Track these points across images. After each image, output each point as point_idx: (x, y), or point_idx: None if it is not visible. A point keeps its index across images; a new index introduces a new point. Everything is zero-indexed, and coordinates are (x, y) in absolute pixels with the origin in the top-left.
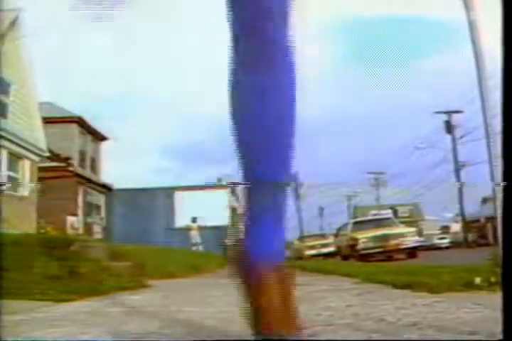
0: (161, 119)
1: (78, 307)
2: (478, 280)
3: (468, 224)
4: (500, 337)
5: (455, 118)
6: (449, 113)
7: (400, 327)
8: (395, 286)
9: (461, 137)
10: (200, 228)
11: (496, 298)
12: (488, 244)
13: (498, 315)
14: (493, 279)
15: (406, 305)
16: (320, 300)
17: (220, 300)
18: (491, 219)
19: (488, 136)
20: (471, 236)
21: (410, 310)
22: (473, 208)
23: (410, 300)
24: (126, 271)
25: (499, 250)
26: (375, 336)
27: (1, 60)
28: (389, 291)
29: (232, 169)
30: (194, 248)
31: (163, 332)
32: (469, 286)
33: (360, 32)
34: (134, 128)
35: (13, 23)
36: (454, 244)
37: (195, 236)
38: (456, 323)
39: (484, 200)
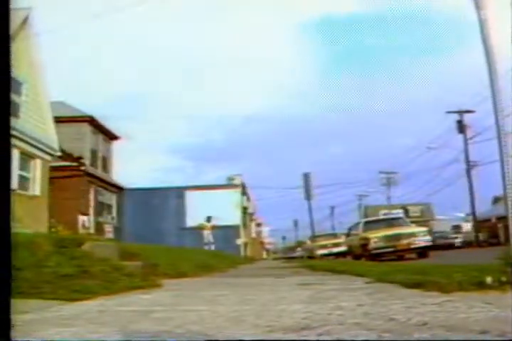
0: (172, 119)
1: (90, 306)
2: (489, 279)
3: (479, 224)
4: (511, 336)
5: (467, 118)
6: (460, 113)
7: (411, 326)
8: (406, 286)
9: (473, 137)
10: (213, 227)
11: (507, 298)
12: (499, 244)
13: (508, 314)
14: (504, 278)
15: (417, 305)
16: (331, 300)
17: (230, 299)
18: (502, 218)
19: (499, 136)
20: (482, 236)
21: (421, 309)
22: (484, 208)
23: (421, 300)
24: (138, 271)
25: (510, 249)
26: (385, 335)
27: (12, 59)
28: (400, 291)
29: (242, 169)
30: (206, 247)
31: (175, 332)
32: (480, 285)
33: (369, 30)
34: (146, 128)
35: (24, 22)
36: (465, 244)
37: (208, 235)
38: (466, 322)
39: (495, 200)
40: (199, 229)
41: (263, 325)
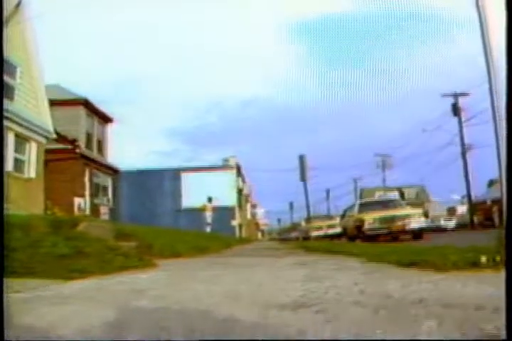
0: (168, 103)
1: (86, 285)
2: (483, 259)
3: (474, 207)
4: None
5: (462, 101)
6: (456, 96)
7: (407, 303)
8: (402, 265)
9: (468, 120)
10: (214, 209)
11: (501, 277)
12: (493, 226)
13: (502, 292)
14: (498, 259)
15: (412, 283)
16: (327, 279)
17: (226, 279)
18: (497, 201)
19: (495, 119)
20: (476, 219)
21: (416, 287)
22: (479, 191)
23: (416, 278)
24: (133, 251)
25: (503, 231)
26: (382, 312)
27: (7, 42)
28: (395, 270)
29: (238, 152)
30: (208, 228)
31: (172, 308)
32: (475, 265)
33: (365, 17)
34: (141, 111)
35: (18, 5)
36: (460, 226)
37: (209, 216)
38: (462, 299)
39: (491, 183)
40: (201, 210)
41: (259, 302)
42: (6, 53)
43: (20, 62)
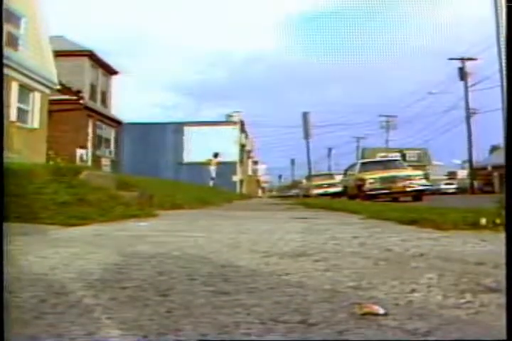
0: (173, 56)
1: (87, 230)
2: (483, 220)
3: (475, 172)
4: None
5: (469, 66)
6: (463, 60)
7: (407, 256)
8: (402, 222)
9: (474, 84)
10: (219, 163)
11: (501, 236)
12: (493, 192)
13: (502, 249)
14: (498, 221)
15: (413, 239)
16: (327, 231)
17: (226, 229)
18: (498, 167)
19: (502, 83)
20: (476, 184)
21: (417, 242)
22: (481, 156)
23: (417, 234)
24: (134, 200)
25: (503, 194)
26: (382, 263)
27: None
28: (395, 226)
29: (242, 107)
30: (211, 182)
31: (172, 254)
32: (475, 226)
33: None
34: (146, 64)
35: None
36: (460, 190)
37: (213, 171)
38: (462, 255)
39: (493, 149)
40: (205, 164)
41: (259, 250)
42: (11, 3)
43: (25, 13)
